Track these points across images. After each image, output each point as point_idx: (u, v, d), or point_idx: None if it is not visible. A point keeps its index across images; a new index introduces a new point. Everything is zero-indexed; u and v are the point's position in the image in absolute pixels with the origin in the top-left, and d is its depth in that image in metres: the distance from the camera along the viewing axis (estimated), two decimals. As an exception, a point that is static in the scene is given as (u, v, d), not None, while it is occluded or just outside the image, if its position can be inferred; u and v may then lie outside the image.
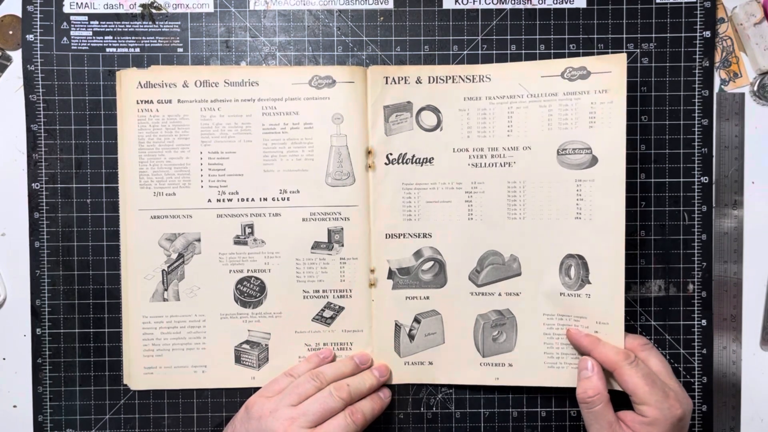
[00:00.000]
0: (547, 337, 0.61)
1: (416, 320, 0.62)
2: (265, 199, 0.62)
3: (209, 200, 0.62)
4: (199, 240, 0.62)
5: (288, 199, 0.62)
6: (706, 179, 0.64)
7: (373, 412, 0.59)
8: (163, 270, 0.62)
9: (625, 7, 0.64)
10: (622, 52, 0.63)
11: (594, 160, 0.59)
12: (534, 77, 0.60)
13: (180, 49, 0.63)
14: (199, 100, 0.62)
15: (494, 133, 0.61)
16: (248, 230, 0.62)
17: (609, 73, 0.59)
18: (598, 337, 0.59)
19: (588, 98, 0.59)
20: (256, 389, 0.62)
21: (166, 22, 0.63)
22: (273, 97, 0.62)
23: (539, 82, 0.60)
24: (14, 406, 0.64)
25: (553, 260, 0.61)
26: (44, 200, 0.63)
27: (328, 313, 0.63)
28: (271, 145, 0.62)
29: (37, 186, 0.63)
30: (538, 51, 0.63)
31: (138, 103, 0.62)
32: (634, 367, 0.55)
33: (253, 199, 0.62)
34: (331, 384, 0.58)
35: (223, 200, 0.62)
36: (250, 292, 0.62)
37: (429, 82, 0.61)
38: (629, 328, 0.63)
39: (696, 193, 0.64)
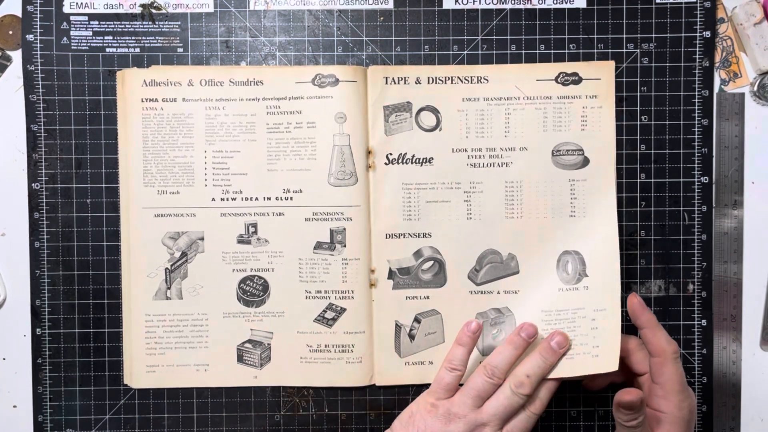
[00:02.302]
0: (545, 333, 0.67)
1: (416, 320, 0.68)
2: (269, 199, 0.67)
3: (213, 199, 0.67)
4: (202, 239, 0.67)
5: (291, 198, 0.67)
6: (706, 179, 0.69)
7: (550, 395, 0.62)
8: (167, 268, 0.67)
9: (625, 7, 0.69)
10: (621, 51, 0.69)
11: (585, 161, 0.66)
12: (530, 80, 0.67)
13: (180, 49, 0.69)
14: (204, 99, 0.67)
15: (492, 133, 0.67)
16: (252, 229, 0.67)
17: (598, 80, 0.66)
18: (656, 320, 0.63)
19: (580, 102, 0.66)
20: (258, 388, 0.69)
21: (166, 22, 0.69)
22: (277, 96, 0.67)
23: (535, 85, 0.67)
24: (14, 406, 0.69)
25: (550, 257, 0.67)
26: (44, 200, 0.68)
27: (329, 315, 0.68)
28: (275, 145, 0.67)
29: (37, 186, 0.68)
30: (538, 51, 0.69)
31: (142, 101, 0.67)
32: (677, 363, 0.61)
33: (256, 198, 0.67)
34: (510, 380, 0.61)
35: (227, 199, 0.67)
36: (253, 291, 0.68)
37: (428, 83, 0.67)
38: (629, 329, 0.68)
39: (696, 193, 0.69)
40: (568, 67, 0.67)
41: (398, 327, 0.68)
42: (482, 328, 0.65)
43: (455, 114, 0.68)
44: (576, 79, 0.66)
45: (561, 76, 0.67)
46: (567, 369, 0.63)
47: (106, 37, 0.69)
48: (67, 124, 0.69)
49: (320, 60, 0.69)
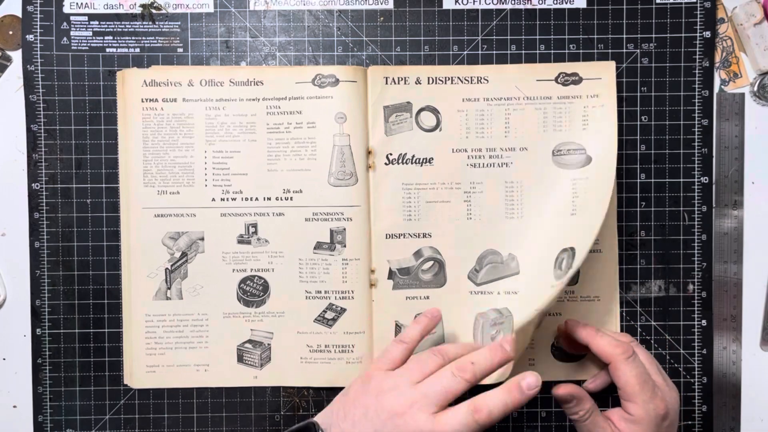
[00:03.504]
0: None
1: (416, 320, 0.69)
2: (269, 199, 0.68)
3: (213, 199, 0.68)
4: (202, 239, 0.68)
5: (291, 198, 0.68)
6: (706, 179, 0.70)
7: (504, 409, 0.54)
8: (167, 268, 0.68)
9: (625, 7, 0.69)
10: (621, 51, 0.69)
11: (588, 160, 0.66)
12: (530, 80, 0.67)
13: (180, 50, 0.69)
14: (204, 99, 0.68)
15: (492, 134, 0.68)
16: (252, 229, 0.68)
17: (600, 79, 0.66)
18: (597, 328, 0.63)
19: (581, 102, 0.67)
20: (258, 388, 0.69)
21: (166, 22, 0.69)
22: (277, 96, 0.68)
23: (535, 85, 0.67)
24: (14, 406, 0.69)
25: (549, 257, 0.67)
26: (44, 200, 0.69)
27: (330, 315, 0.68)
28: (275, 145, 0.68)
29: (37, 186, 0.69)
30: (538, 51, 0.69)
31: (143, 101, 0.68)
32: (630, 363, 0.60)
33: (256, 199, 0.68)
34: (454, 363, 0.57)
35: (227, 199, 0.68)
36: (253, 291, 0.68)
37: (428, 83, 0.68)
38: (630, 329, 0.69)
39: (696, 193, 0.70)
40: (569, 67, 0.67)
41: (398, 327, 0.69)
42: (441, 315, 0.65)
43: (455, 114, 0.68)
44: (576, 79, 0.67)
45: (561, 76, 0.67)
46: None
47: (106, 37, 0.69)
48: (67, 124, 0.69)
49: (320, 60, 0.70)
